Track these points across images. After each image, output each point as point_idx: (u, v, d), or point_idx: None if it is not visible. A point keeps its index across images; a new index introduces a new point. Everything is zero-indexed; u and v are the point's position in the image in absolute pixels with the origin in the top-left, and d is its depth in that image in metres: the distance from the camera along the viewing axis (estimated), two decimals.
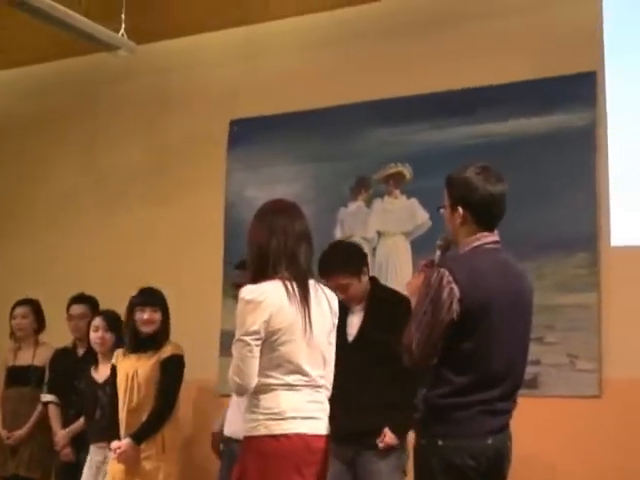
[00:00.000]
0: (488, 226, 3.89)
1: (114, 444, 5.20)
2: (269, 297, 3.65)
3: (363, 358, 4.67)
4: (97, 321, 5.78)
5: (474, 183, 3.84)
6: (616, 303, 5.70)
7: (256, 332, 3.62)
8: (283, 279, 3.70)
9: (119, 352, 5.44)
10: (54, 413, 6.20)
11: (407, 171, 6.39)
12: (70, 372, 6.10)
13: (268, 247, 3.73)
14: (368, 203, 6.52)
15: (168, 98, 7.41)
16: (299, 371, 3.70)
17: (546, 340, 5.84)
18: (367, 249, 6.39)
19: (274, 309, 3.64)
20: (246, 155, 7.01)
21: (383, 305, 4.78)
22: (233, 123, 7.06)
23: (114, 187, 7.50)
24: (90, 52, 7.26)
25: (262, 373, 3.66)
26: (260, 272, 3.72)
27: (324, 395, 3.81)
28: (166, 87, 7.45)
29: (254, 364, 3.64)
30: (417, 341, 3.60)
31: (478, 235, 3.84)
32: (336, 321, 3.89)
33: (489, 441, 3.72)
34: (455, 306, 3.62)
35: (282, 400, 3.67)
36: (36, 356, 6.51)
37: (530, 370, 5.68)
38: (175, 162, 7.27)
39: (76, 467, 5.90)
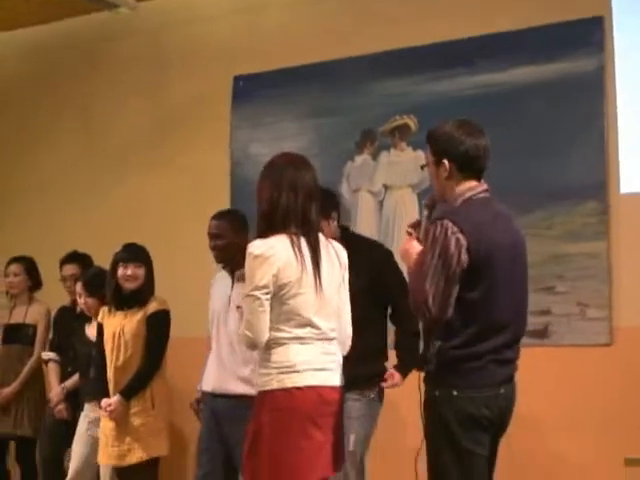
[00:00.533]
0: (476, 177, 3.89)
1: (104, 402, 5.20)
2: (277, 251, 3.66)
3: None
4: (78, 287, 5.78)
5: (457, 136, 3.86)
6: (626, 251, 5.67)
7: (265, 286, 3.63)
8: (291, 234, 3.69)
9: (104, 310, 5.41)
10: (53, 371, 6.18)
11: (412, 123, 6.35)
12: (69, 330, 6.08)
13: (277, 202, 3.72)
14: (374, 156, 6.49)
15: (169, 56, 7.35)
16: (309, 324, 3.71)
17: (556, 290, 5.84)
18: (374, 202, 6.41)
19: (282, 263, 3.65)
20: (250, 112, 6.95)
21: (356, 252, 4.66)
22: (237, 79, 7.00)
23: (115, 149, 7.46)
24: (89, 11, 7.23)
25: (273, 327, 3.68)
26: (269, 227, 3.72)
27: (336, 347, 3.82)
28: (167, 45, 7.39)
29: (264, 318, 3.66)
30: (432, 296, 3.60)
31: (468, 185, 3.83)
32: (346, 274, 3.88)
33: (501, 390, 3.78)
34: (464, 256, 3.63)
35: (293, 353, 3.69)
36: (28, 314, 6.50)
37: (541, 320, 5.78)
38: (178, 121, 7.22)
39: (69, 425, 5.91)
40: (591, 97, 5.83)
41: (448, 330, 3.71)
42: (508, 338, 3.79)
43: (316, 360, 3.72)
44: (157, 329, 5.28)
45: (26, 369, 6.35)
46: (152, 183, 7.20)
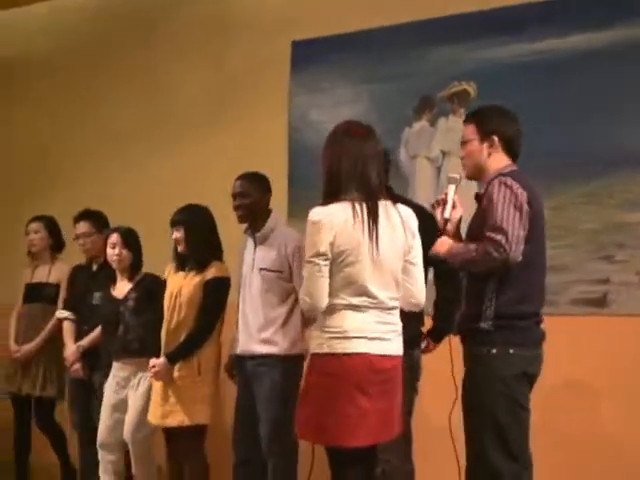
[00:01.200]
0: (514, 159, 4.06)
1: (151, 362, 5.20)
2: (334, 218, 3.71)
3: None
4: (114, 237, 5.71)
5: (507, 118, 4.03)
6: None
7: (323, 253, 3.71)
8: (352, 200, 3.74)
9: (170, 267, 5.42)
10: (68, 329, 6.11)
11: (471, 89, 6.29)
12: (85, 288, 6.08)
13: (339, 170, 3.78)
14: (432, 122, 6.45)
15: (229, 22, 7.34)
16: (365, 292, 3.75)
17: (616, 258, 5.77)
18: (432, 169, 6.39)
19: (338, 230, 3.71)
20: (309, 78, 6.92)
21: None
22: (295, 44, 6.98)
23: (176, 113, 7.48)
24: None
25: (331, 293, 3.75)
26: (331, 195, 3.78)
27: (396, 316, 3.84)
28: (227, 11, 7.38)
29: (324, 284, 3.73)
30: (514, 237, 3.75)
31: (508, 163, 4.01)
32: (414, 242, 3.89)
33: (541, 350, 4.05)
34: (529, 204, 3.89)
35: (346, 320, 3.75)
36: (51, 274, 6.45)
37: (599, 288, 5.74)
38: (238, 86, 7.21)
39: (89, 386, 5.95)
40: None
41: (506, 285, 3.81)
42: (542, 301, 4.06)
43: (370, 328, 3.76)
44: (212, 296, 5.22)
45: (47, 328, 6.27)
46: (212, 147, 7.22)
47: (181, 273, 5.32)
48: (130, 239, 5.70)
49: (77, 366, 5.95)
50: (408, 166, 6.44)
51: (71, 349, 5.98)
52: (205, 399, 5.18)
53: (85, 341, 5.98)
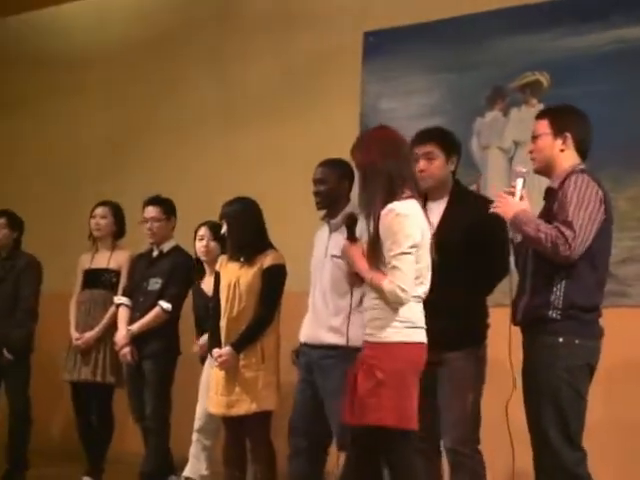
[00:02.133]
0: (584, 157, 4.06)
1: (215, 352, 5.21)
2: (417, 213, 3.96)
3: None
4: (202, 230, 5.77)
5: (580, 116, 4.05)
6: None
7: (416, 244, 3.91)
8: (414, 198, 3.98)
9: (223, 258, 5.43)
10: (123, 314, 6.07)
11: (544, 79, 6.24)
12: (143, 275, 6.08)
13: (399, 170, 4.01)
14: (505, 112, 6.41)
15: (299, 12, 7.37)
16: (425, 284, 3.99)
17: None
18: (504, 159, 6.37)
19: (419, 223, 3.92)
20: (381, 67, 6.92)
21: (465, 204, 4.64)
22: (368, 34, 6.97)
23: (245, 104, 7.53)
24: None
25: None
26: (392, 193, 3.96)
27: None
28: (297, 1, 7.41)
29: (414, 276, 3.92)
30: (581, 236, 3.80)
31: (579, 161, 4.05)
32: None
33: (601, 343, 4.06)
34: (602, 205, 3.90)
35: (415, 311, 3.97)
36: (112, 260, 6.38)
37: None
38: (308, 75, 7.24)
39: (141, 372, 5.97)
40: None
41: (574, 277, 3.84)
42: (603, 296, 4.02)
43: (422, 319, 4.01)
44: (271, 283, 5.25)
45: (108, 315, 6.23)
46: (284, 134, 7.25)
47: (235, 263, 5.33)
48: (218, 232, 5.66)
49: (125, 350, 5.95)
50: (480, 156, 6.41)
51: (122, 333, 5.98)
52: (270, 386, 5.21)
53: (135, 326, 5.98)
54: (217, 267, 5.44)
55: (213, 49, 7.79)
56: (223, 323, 5.27)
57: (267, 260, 5.26)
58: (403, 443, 3.96)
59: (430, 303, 4.04)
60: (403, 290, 3.87)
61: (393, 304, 3.92)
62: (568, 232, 3.79)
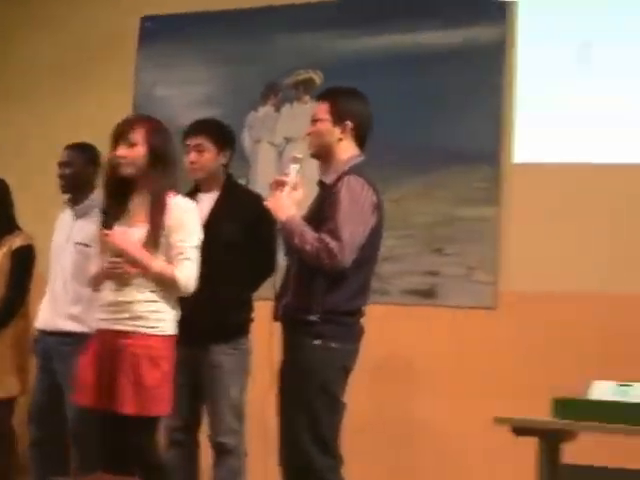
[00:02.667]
0: (362, 147, 4.00)
1: None
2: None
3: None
4: None
5: (363, 102, 3.98)
6: (515, 218, 5.70)
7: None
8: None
9: None
10: None
11: (318, 77, 6.27)
12: None
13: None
14: (277, 108, 6.40)
15: None
16: None
17: (445, 251, 5.86)
18: (274, 154, 6.33)
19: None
20: (157, 54, 6.77)
21: (235, 198, 4.67)
22: (144, 20, 6.82)
23: (16, 84, 7.23)
24: None
25: None
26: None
27: None
28: None
29: None
30: (349, 246, 3.64)
31: (357, 152, 3.96)
32: None
33: (359, 345, 4.03)
34: (375, 212, 3.87)
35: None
36: None
37: (429, 280, 5.81)
38: (84, 60, 7.00)
39: None
40: (491, 66, 5.83)
41: (337, 282, 3.79)
42: (368, 297, 4.05)
43: None
44: (21, 265, 5.13)
45: None
46: (54, 116, 6.98)
47: None
48: None
49: None
50: (251, 150, 6.37)
51: None
52: (16, 371, 5.13)
53: None
54: None
55: None
56: None
57: (16, 241, 5.04)
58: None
59: (195, 296, 3.92)
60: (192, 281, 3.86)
61: (178, 294, 3.90)
62: (333, 243, 3.70)
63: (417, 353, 5.76)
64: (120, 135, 3.91)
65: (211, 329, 4.42)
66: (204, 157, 4.62)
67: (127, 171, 3.88)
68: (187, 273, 3.84)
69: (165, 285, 3.86)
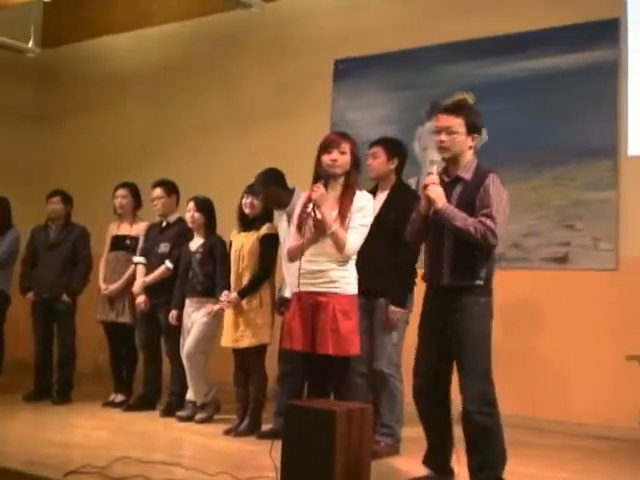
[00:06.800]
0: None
1: (224, 295, 5.20)
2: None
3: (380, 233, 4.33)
4: (190, 204, 5.66)
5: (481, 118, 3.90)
6: (630, 199, 5.67)
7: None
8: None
9: (234, 231, 5.37)
10: (140, 271, 5.98)
11: (470, 97, 6.28)
12: (155, 241, 5.99)
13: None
14: None
15: (287, 43, 7.38)
16: None
17: (575, 227, 5.81)
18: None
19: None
20: (347, 86, 6.97)
21: (402, 199, 4.55)
22: (337, 62, 7.03)
23: (248, 114, 7.50)
24: (227, 9, 7.30)
25: None
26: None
27: None
28: (285, 34, 7.40)
29: None
30: (501, 226, 3.66)
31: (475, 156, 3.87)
32: None
33: None
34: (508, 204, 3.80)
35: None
36: (133, 229, 6.21)
37: (562, 249, 5.76)
38: (294, 93, 7.24)
39: (153, 316, 5.87)
40: (608, 81, 5.76)
41: (487, 254, 3.75)
42: None
43: None
44: (266, 248, 5.19)
45: (128, 272, 6.11)
46: (276, 136, 7.21)
47: (242, 233, 5.35)
48: (202, 205, 5.63)
49: (140, 299, 5.87)
50: (420, 156, 6.44)
51: (137, 283, 5.94)
52: (266, 324, 5.18)
53: (149, 278, 5.89)
54: (231, 237, 5.41)
55: (225, 73, 7.74)
56: (232, 277, 5.25)
57: (263, 229, 5.25)
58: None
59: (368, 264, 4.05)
60: (353, 249, 3.86)
61: (343, 256, 3.83)
62: (493, 225, 3.62)
63: (554, 307, 5.72)
64: (332, 144, 3.92)
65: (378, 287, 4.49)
66: (376, 162, 4.72)
67: (337, 171, 3.89)
68: (352, 242, 3.80)
69: (338, 246, 3.79)
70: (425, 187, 3.70)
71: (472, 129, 3.77)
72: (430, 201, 3.69)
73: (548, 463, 4.61)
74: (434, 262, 3.78)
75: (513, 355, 5.66)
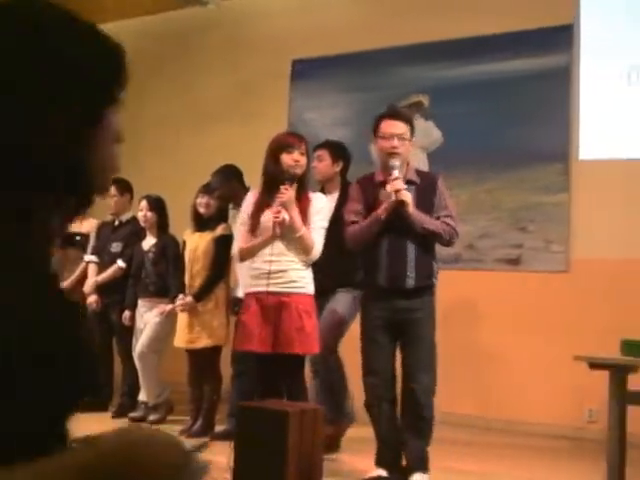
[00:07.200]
0: None
1: (180, 299, 5.12)
2: None
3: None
4: (142, 203, 5.61)
5: None
6: (581, 202, 5.76)
7: None
8: None
9: (188, 231, 5.33)
10: (92, 270, 5.92)
11: (425, 100, 6.32)
12: (107, 239, 5.94)
13: None
14: None
15: (245, 43, 7.32)
16: None
17: (527, 229, 5.88)
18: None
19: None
20: (305, 87, 6.98)
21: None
22: (295, 62, 7.02)
23: (202, 113, 7.46)
24: (183, 6, 7.25)
25: None
26: None
27: None
28: (241, 34, 7.36)
29: None
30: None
31: None
32: None
33: None
34: None
35: None
36: (83, 225, 6.00)
37: (515, 252, 5.84)
38: (250, 92, 7.22)
39: (104, 316, 5.77)
40: (560, 86, 5.84)
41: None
42: None
43: None
44: (221, 248, 5.08)
45: (79, 269, 6.03)
46: (234, 134, 7.16)
47: (197, 233, 5.29)
48: (154, 204, 5.58)
49: (92, 298, 5.77)
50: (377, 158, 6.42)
51: (88, 282, 5.85)
52: (222, 325, 5.13)
53: (100, 277, 5.84)
54: (184, 237, 5.35)
55: (180, 70, 7.67)
56: (187, 278, 5.19)
57: (218, 230, 5.20)
58: None
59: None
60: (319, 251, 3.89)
61: (310, 257, 3.85)
62: (454, 223, 3.83)
63: (506, 307, 5.79)
64: (294, 144, 3.90)
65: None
66: (321, 164, 4.74)
67: (299, 172, 3.89)
68: (317, 244, 3.83)
69: (306, 248, 3.80)
70: (397, 191, 3.71)
71: (413, 135, 3.93)
72: (403, 205, 3.71)
73: (507, 462, 4.66)
74: (396, 266, 3.78)
75: (467, 355, 5.73)
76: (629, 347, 3.29)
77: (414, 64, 6.43)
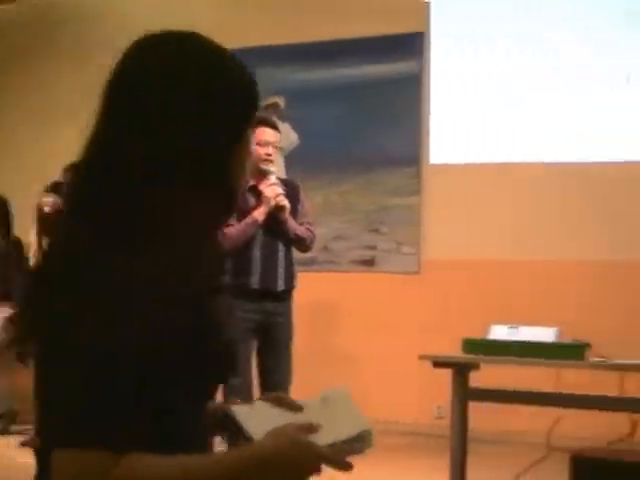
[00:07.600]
0: None
1: None
2: None
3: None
4: None
5: None
6: (432, 205, 5.89)
7: None
8: None
9: (33, 232, 5.12)
10: None
11: (281, 101, 6.31)
12: None
13: None
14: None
15: (92, 40, 7.03)
16: None
17: (380, 231, 5.97)
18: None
19: None
20: None
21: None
22: None
23: (49, 112, 7.14)
24: None
25: None
26: None
27: None
28: (92, 32, 7.08)
29: None
30: None
31: None
32: None
33: None
34: None
35: None
36: None
37: (369, 253, 5.93)
38: (97, 90, 6.91)
39: None
40: (411, 92, 5.96)
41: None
42: None
43: None
44: None
45: None
46: (76, 135, 6.83)
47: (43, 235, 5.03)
48: None
49: None
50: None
51: None
52: None
53: None
54: None
55: (30, 66, 7.31)
56: None
57: None
58: None
59: None
60: None
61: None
62: (313, 230, 3.98)
63: (361, 308, 5.86)
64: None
65: None
66: None
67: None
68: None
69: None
70: (277, 196, 3.77)
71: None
72: (282, 210, 3.78)
73: (359, 462, 4.64)
74: (268, 269, 3.83)
75: (321, 356, 5.75)
76: (470, 345, 3.40)
77: (271, 65, 6.35)
